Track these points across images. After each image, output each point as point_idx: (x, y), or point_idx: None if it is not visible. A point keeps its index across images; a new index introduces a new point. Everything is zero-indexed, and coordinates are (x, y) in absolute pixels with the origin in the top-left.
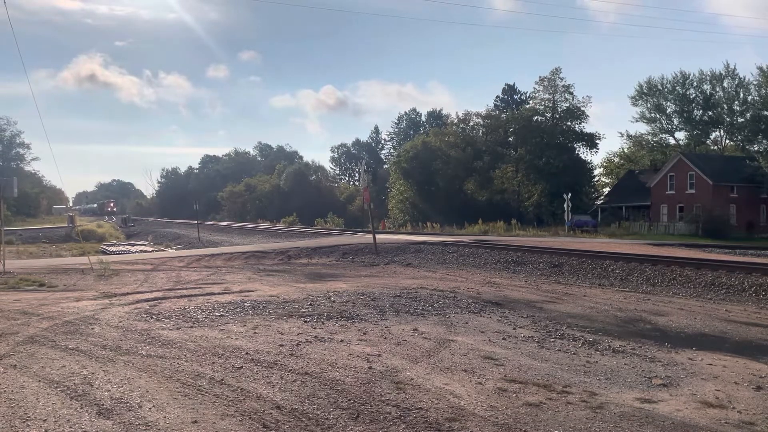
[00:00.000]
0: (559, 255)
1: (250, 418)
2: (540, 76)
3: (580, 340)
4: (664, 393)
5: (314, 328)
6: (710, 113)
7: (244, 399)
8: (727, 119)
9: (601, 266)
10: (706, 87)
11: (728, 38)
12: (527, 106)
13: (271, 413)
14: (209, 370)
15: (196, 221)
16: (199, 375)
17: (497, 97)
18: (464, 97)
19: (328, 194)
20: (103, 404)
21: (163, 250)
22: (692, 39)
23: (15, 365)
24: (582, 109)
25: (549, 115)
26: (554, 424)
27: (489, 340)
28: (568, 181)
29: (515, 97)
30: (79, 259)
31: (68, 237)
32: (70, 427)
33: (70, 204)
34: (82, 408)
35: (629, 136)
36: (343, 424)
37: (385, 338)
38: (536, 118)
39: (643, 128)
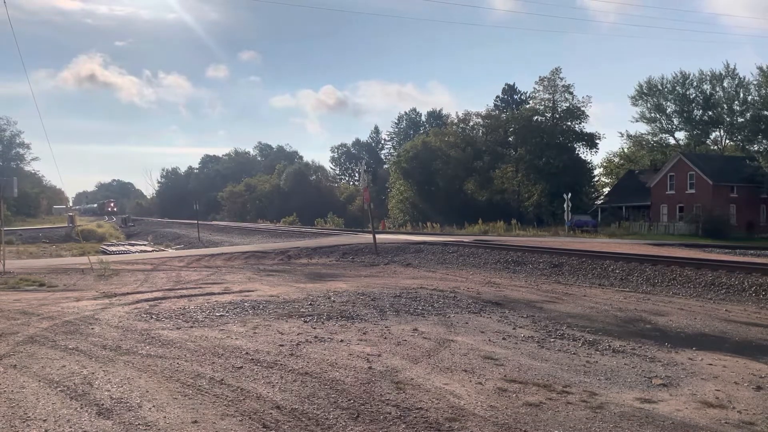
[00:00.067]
0: (559, 255)
1: (250, 418)
2: (540, 76)
3: (580, 340)
4: (664, 393)
5: (314, 328)
6: (710, 113)
7: (244, 399)
8: (727, 119)
9: (601, 266)
10: (706, 87)
11: (728, 38)
12: (527, 106)
13: (271, 413)
14: (209, 370)
15: (196, 221)
16: (199, 375)
17: (497, 97)
18: (464, 97)
19: (328, 194)
20: (103, 404)
21: (163, 250)
22: (692, 39)
23: (15, 365)
24: (582, 109)
25: (549, 115)
26: (554, 424)
27: (489, 340)
28: (568, 181)
29: (515, 97)
30: (79, 259)
31: (68, 237)
32: (70, 427)
33: (70, 204)
34: (82, 408)
35: (629, 136)
36: (343, 424)
37: (385, 338)
38: (536, 118)
39: (643, 128)
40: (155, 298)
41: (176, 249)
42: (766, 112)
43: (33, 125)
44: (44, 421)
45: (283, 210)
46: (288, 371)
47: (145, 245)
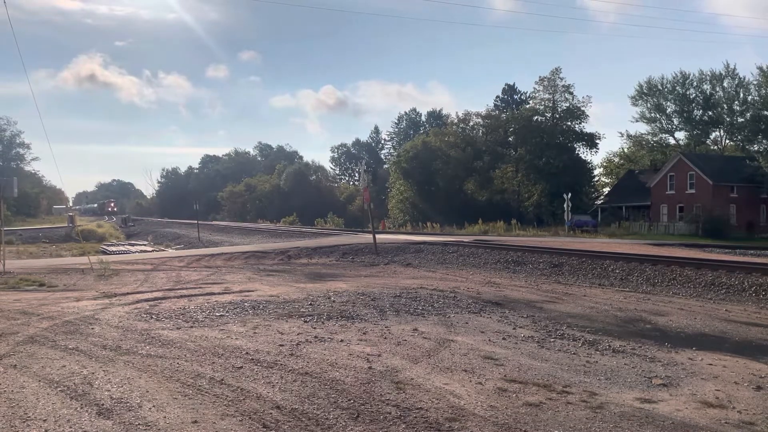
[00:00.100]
0: (559, 255)
1: (250, 418)
2: (540, 76)
3: (580, 340)
4: (664, 393)
5: (314, 328)
6: (710, 113)
7: (244, 399)
8: (727, 119)
9: (601, 266)
10: (706, 87)
11: (728, 38)
12: (527, 106)
13: (271, 413)
14: (209, 370)
15: (196, 221)
16: (199, 375)
17: (497, 97)
18: (464, 97)
19: (328, 194)
20: (103, 404)
21: (163, 250)
22: (692, 39)
23: (15, 365)
24: (582, 109)
25: (549, 115)
26: (554, 424)
27: (489, 340)
28: (568, 181)
29: (515, 97)
30: (79, 259)
31: (68, 237)
32: (70, 427)
33: (70, 204)
34: (82, 408)
35: (629, 136)
36: (343, 424)
37: (385, 338)
38: (536, 118)
39: (643, 128)
40: (155, 298)
41: (176, 249)
42: (766, 112)
43: (33, 125)
44: (44, 421)
45: (283, 210)
46: (288, 371)
47: (145, 245)
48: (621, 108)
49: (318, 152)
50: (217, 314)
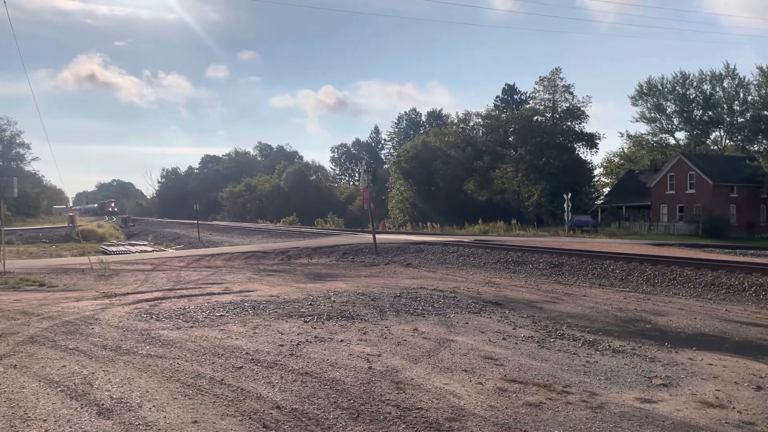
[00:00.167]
0: (559, 255)
1: (250, 418)
2: (540, 76)
3: (580, 340)
4: (664, 393)
5: (314, 328)
6: (710, 113)
7: (244, 399)
8: (727, 119)
9: (601, 266)
10: (706, 87)
11: (728, 38)
12: (527, 106)
13: (271, 413)
14: (209, 370)
15: (196, 221)
16: (199, 375)
17: (497, 97)
18: (464, 97)
19: (328, 194)
20: (103, 404)
21: (163, 250)
22: (692, 39)
23: (15, 365)
24: (582, 109)
25: (549, 115)
26: (554, 424)
27: (489, 340)
28: (568, 181)
29: (515, 97)
30: (79, 259)
31: (68, 237)
32: (70, 427)
33: (70, 204)
34: (82, 408)
35: (629, 136)
36: (343, 424)
37: (385, 338)
38: (536, 118)
39: (643, 128)
40: (155, 298)
41: (176, 249)
42: (766, 112)
43: (33, 125)
44: (44, 421)
45: (283, 210)
46: (288, 371)
47: (145, 245)
48: (621, 108)
49: (318, 152)
50: (217, 314)
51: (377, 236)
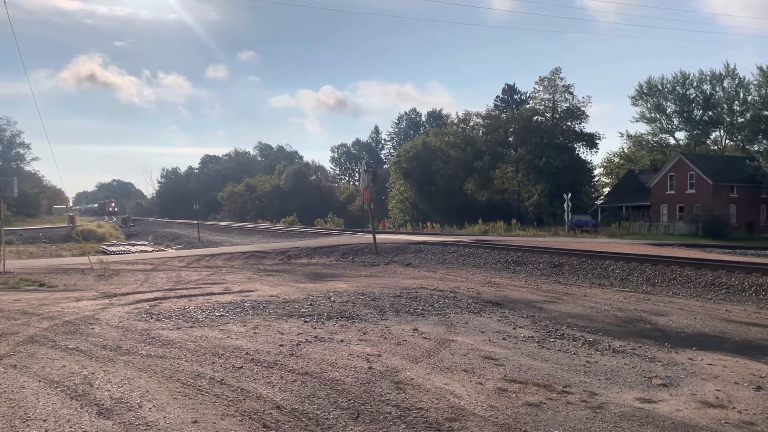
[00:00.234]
0: (559, 255)
1: (250, 418)
2: (540, 76)
3: (580, 340)
4: (664, 393)
5: (314, 328)
6: (710, 113)
7: (244, 399)
8: (727, 119)
9: (601, 266)
10: (706, 87)
11: (728, 38)
12: (527, 106)
13: (271, 413)
14: (209, 370)
15: (196, 221)
16: (199, 375)
17: (497, 97)
18: (464, 97)
19: (328, 194)
20: (103, 404)
21: (163, 250)
22: (692, 39)
23: (15, 365)
24: (582, 109)
25: (549, 115)
26: (554, 424)
27: (489, 340)
28: (568, 181)
29: (515, 97)
30: (79, 259)
31: (68, 237)
32: (70, 427)
33: (70, 204)
34: (82, 408)
35: (629, 136)
36: (343, 424)
37: (385, 338)
38: (536, 118)
39: (643, 128)
40: (155, 298)
41: (176, 249)
42: (766, 112)
43: (33, 125)
44: (44, 421)
45: (283, 210)
46: (288, 371)
47: (145, 245)
48: (621, 108)
49: (318, 152)
50: (217, 314)
51: (377, 236)
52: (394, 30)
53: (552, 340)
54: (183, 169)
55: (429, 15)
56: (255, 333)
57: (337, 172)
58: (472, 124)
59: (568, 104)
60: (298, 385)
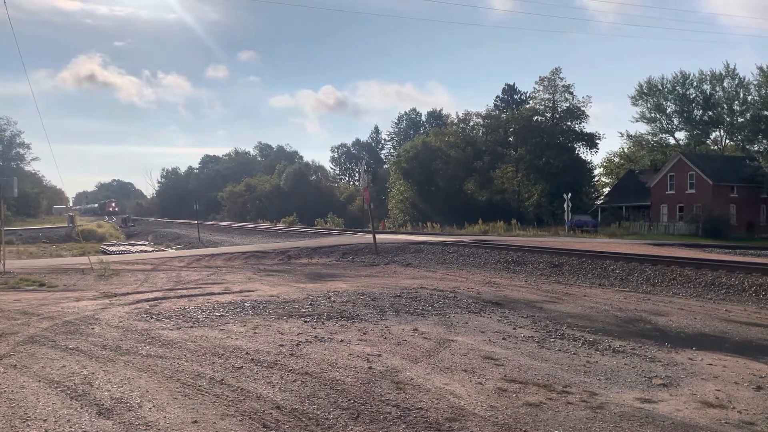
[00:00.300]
0: (559, 255)
1: (250, 418)
2: (540, 76)
3: (580, 340)
4: (664, 393)
5: (314, 328)
6: (710, 113)
7: (244, 399)
8: (727, 119)
9: (601, 266)
10: (706, 87)
11: (728, 38)
12: (527, 106)
13: (271, 413)
14: (209, 370)
15: (196, 221)
16: (199, 375)
17: (497, 97)
18: (464, 97)
19: (328, 194)
20: (103, 404)
21: (163, 250)
22: (692, 39)
23: (15, 365)
24: (582, 109)
25: (549, 115)
26: (554, 424)
27: (489, 340)
28: (568, 181)
29: (515, 97)
30: (79, 259)
31: (68, 237)
32: (70, 427)
33: (70, 204)
34: (82, 408)
35: (629, 136)
36: (343, 424)
37: (385, 338)
38: (536, 118)
39: (643, 128)
40: (155, 298)
41: (176, 249)
42: (766, 112)
43: (33, 125)
44: (44, 421)
45: (283, 210)
46: (288, 371)
47: (145, 245)
48: (621, 108)
49: (318, 152)
50: (217, 314)
51: (377, 236)
52: (394, 30)
53: (552, 340)
54: (183, 169)
55: (429, 15)
56: (255, 333)
57: (337, 172)
58: (472, 124)
59: (568, 104)
60: (298, 385)
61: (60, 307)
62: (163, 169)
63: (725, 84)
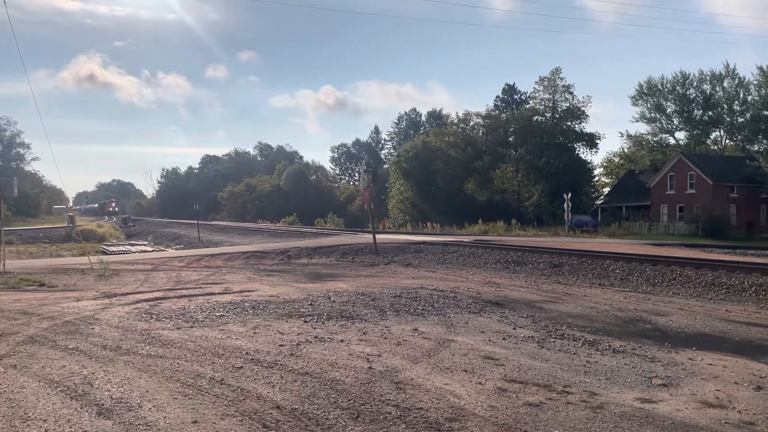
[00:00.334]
0: (559, 255)
1: (250, 418)
2: (540, 76)
3: (580, 340)
4: (664, 393)
5: (314, 328)
6: (710, 113)
7: (244, 399)
8: (727, 119)
9: (601, 266)
10: (706, 87)
11: (728, 38)
12: (527, 106)
13: (271, 413)
14: (209, 370)
15: (196, 221)
16: (199, 375)
17: (497, 97)
18: (464, 97)
19: (328, 194)
20: (103, 404)
21: (163, 250)
22: (692, 39)
23: (15, 365)
24: (582, 109)
25: (549, 115)
26: (554, 424)
27: (489, 340)
28: (568, 181)
29: (515, 97)
30: (79, 259)
31: (68, 237)
32: (70, 427)
33: (70, 204)
34: (82, 408)
35: (629, 136)
36: (343, 424)
37: (385, 338)
38: (536, 118)
39: (643, 128)
40: (155, 298)
41: (176, 249)
42: (766, 112)
43: (33, 125)
44: (44, 421)
45: (283, 210)
46: (288, 371)
47: (145, 245)
48: (621, 108)
49: (318, 152)
50: (217, 314)
51: (377, 236)
52: (394, 30)
53: (552, 340)
54: (183, 169)
55: (429, 15)
56: (255, 333)
57: (337, 172)
58: (472, 124)
59: (568, 104)
60: (298, 385)
61: (60, 307)
62: (163, 169)
63: (725, 84)
